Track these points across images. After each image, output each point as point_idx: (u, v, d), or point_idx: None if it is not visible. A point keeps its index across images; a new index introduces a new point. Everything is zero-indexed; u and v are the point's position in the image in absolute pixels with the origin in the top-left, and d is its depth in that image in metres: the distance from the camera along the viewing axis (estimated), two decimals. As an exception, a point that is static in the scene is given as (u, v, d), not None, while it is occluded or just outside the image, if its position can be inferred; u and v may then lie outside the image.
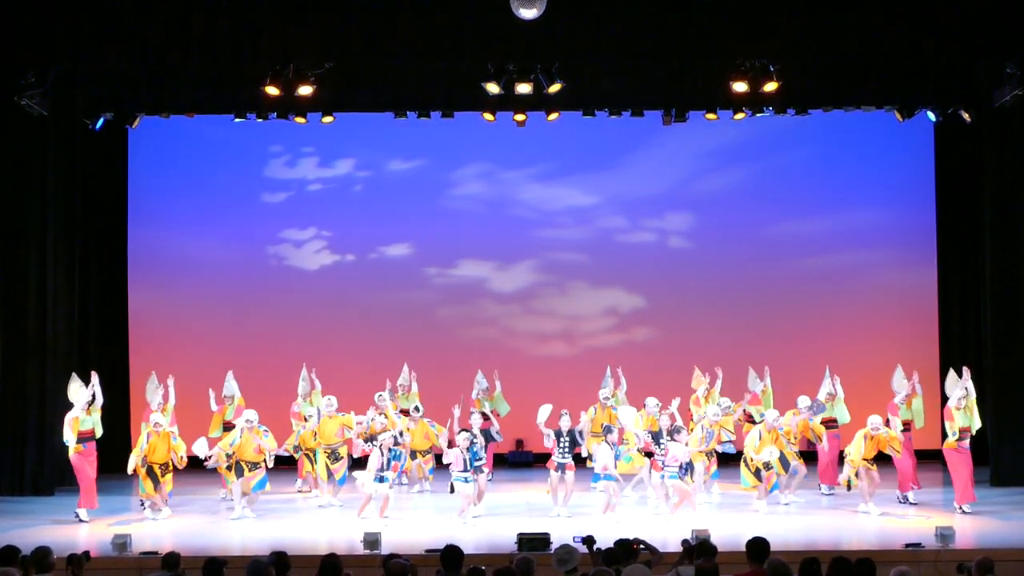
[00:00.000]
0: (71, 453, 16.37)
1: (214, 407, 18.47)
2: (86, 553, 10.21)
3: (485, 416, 17.77)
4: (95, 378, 16.78)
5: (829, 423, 17.70)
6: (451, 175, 21.92)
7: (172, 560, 10.01)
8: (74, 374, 17.03)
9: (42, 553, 9.69)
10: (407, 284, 21.75)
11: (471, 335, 21.89)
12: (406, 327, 21.54)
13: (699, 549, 9.91)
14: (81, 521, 15.97)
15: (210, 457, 16.45)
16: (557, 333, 21.95)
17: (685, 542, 10.67)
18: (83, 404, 16.43)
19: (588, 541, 10.29)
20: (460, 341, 21.76)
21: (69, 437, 16.29)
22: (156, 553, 12.80)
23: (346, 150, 21.80)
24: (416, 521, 15.85)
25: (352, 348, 21.26)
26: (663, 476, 16.15)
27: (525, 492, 18.35)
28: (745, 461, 16.51)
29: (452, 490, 15.62)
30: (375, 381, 18.91)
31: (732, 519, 15.67)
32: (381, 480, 15.75)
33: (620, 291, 21.89)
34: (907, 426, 17.12)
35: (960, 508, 15.97)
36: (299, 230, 21.85)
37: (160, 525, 15.74)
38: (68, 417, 16.41)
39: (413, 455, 18.05)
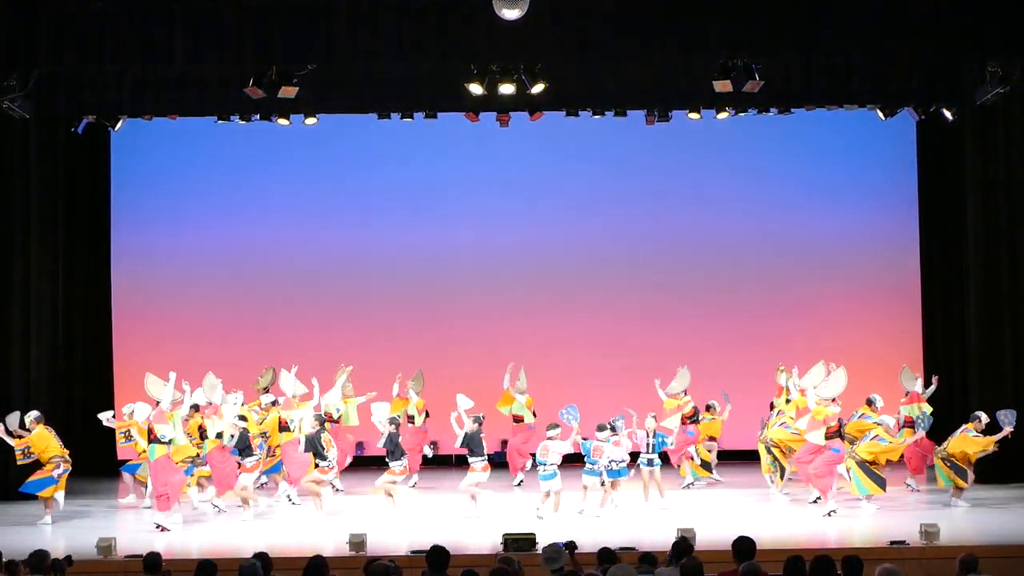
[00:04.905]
0: (158, 455, 15.58)
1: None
2: (68, 558, 10.12)
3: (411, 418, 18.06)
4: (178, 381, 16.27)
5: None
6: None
7: (153, 561, 9.92)
8: (149, 373, 16.60)
9: (39, 557, 9.63)
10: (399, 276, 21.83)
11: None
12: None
13: (675, 550, 9.95)
14: (164, 530, 15.23)
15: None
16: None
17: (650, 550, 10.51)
18: (168, 403, 15.78)
19: (570, 546, 10.29)
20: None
21: (168, 433, 15.55)
22: (141, 556, 12.75)
23: (335, 149, 21.84)
24: (403, 522, 15.84)
25: (338, 344, 21.24)
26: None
27: (512, 492, 18.37)
28: (864, 465, 16.24)
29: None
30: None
31: (722, 518, 15.67)
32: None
33: (610, 289, 21.90)
34: (909, 422, 17.45)
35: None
36: (287, 228, 21.85)
37: (146, 528, 15.66)
38: (166, 416, 15.65)
39: None
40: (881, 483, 16.15)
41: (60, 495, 16.37)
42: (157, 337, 21.40)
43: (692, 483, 18.43)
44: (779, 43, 16.38)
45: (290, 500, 17.48)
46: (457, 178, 21.95)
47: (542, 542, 12.78)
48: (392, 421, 16.58)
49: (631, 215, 21.88)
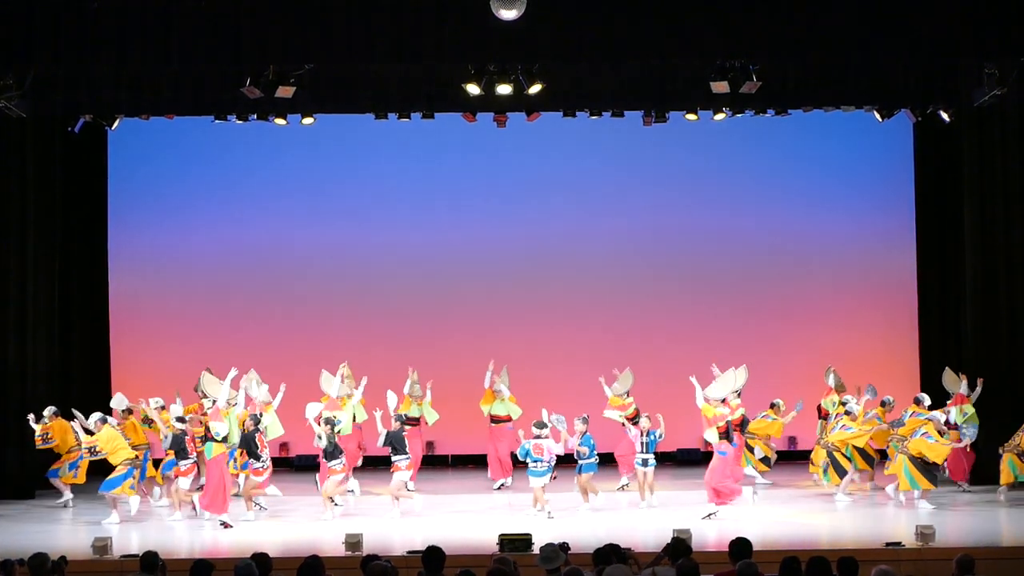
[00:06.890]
0: (215, 453, 15.61)
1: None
2: (63, 558, 10.09)
3: (410, 420, 17.88)
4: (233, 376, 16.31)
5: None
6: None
7: (150, 560, 9.90)
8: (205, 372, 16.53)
9: (39, 560, 9.61)
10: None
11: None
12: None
13: (672, 550, 9.95)
14: (229, 527, 15.40)
15: None
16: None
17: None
18: (224, 400, 15.89)
19: (562, 547, 10.28)
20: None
21: (222, 431, 15.62)
22: (137, 556, 12.74)
23: (331, 147, 21.83)
24: (398, 522, 15.83)
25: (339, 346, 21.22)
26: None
27: (506, 493, 18.37)
28: (916, 461, 16.36)
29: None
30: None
31: (719, 518, 15.65)
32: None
33: (607, 290, 21.90)
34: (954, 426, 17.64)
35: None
36: (284, 227, 21.83)
37: (142, 528, 15.65)
38: (222, 413, 15.75)
39: None
40: (932, 478, 16.25)
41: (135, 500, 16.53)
42: (155, 336, 21.41)
43: (626, 485, 18.32)
44: (776, 44, 16.35)
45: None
46: (454, 178, 21.95)
47: (538, 543, 12.78)
48: (327, 421, 16.57)
49: (628, 216, 21.87)
